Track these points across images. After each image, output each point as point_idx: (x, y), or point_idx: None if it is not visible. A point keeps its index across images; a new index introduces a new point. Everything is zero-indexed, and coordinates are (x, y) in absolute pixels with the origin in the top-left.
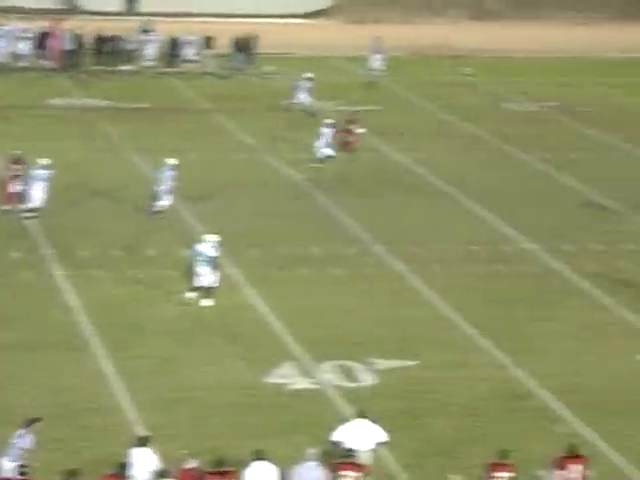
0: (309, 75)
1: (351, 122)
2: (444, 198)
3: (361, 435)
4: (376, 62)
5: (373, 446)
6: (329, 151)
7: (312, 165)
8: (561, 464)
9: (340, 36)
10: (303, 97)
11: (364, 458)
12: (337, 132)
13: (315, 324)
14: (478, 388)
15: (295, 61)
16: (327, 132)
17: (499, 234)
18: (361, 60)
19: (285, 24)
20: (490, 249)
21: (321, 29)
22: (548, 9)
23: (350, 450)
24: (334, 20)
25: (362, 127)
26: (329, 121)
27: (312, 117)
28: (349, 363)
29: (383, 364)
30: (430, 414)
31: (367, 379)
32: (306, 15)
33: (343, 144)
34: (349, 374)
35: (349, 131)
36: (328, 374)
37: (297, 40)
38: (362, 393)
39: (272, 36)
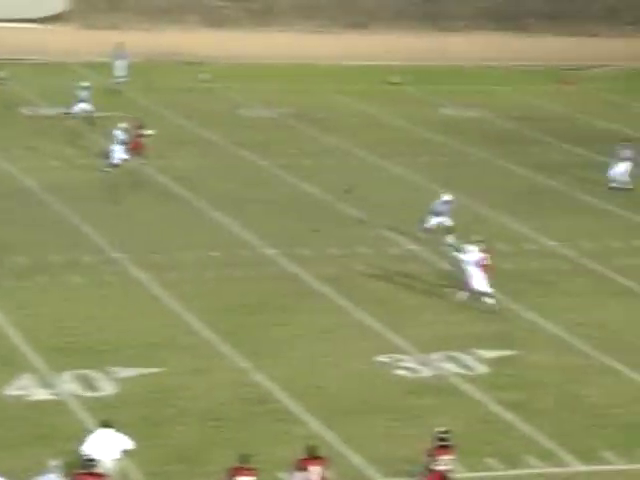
0: (86, 84)
1: (140, 127)
2: (183, 204)
3: (106, 445)
4: (119, 68)
5: (118, 455)
6: (123, 156)
7: (106, 169)
8: (302, 466)
9: (76, 41)
10: (83, 105)
11: (109, 467)
12: (132, 137)
13: (54, 333)
14: (220, 393)
15: (30, 67)
16: (121, 137)
17: (238, 239)
18: (99, 66)
19: (18, 29)
20: (229, 254)
21: (56, 34)
22: (284, 17)
23: (91, 460)
24: (69, 25)
25: (149, 129)
26: (123, 125)
27: (92, 125)
28: (90, 372)
29: (124, 372)
30: (173, 421)
31: (109, 388)
32: (40, 20)
33: (135, 149)
34: (90, 383)
35: (140, 135)
36: (69, 384)
37: (31, 45)
38: (104, 402)
39: (4, 41)
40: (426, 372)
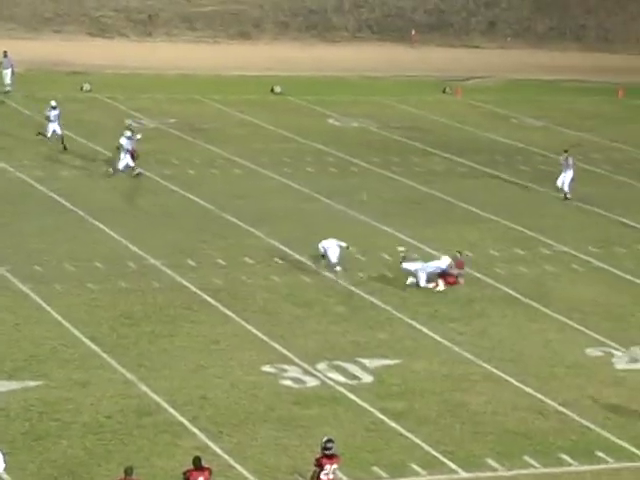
0: (54, 103)
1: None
2: (66, 215)
3: None
4: (7, 78)
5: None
6: (130, 162)
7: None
8: (188, 476)
9: None
10: (53, 126)
11: None
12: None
13: None
14: (104, 406)
15: None
16: (128, 144)
17: (122, 250)
18: None
19: None
20: (113, 265)
21: None
22: (168, 27)
23: None
24: None
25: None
26: (129, 133)
27: (64, 149)
28: None
29: (6, 386)
30: (54, 435)
31: None
32: None
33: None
34: None
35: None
36: None
37: None
38: None
39: None
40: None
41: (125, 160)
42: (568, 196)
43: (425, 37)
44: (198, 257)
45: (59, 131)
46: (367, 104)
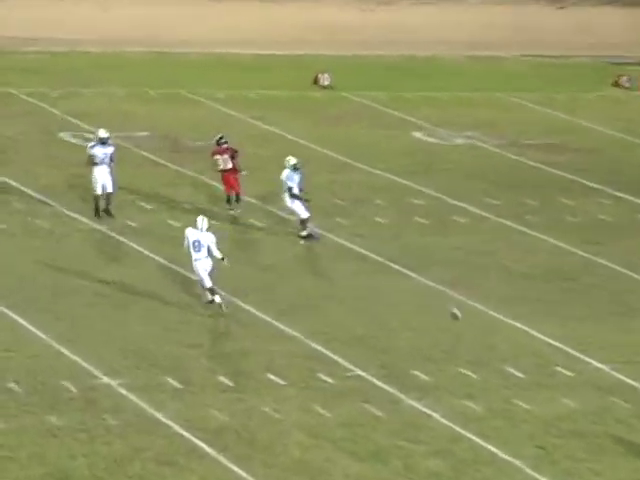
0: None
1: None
2: None
3: None
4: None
5: None
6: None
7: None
8: None
9: None
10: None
11: None
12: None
13: None
14: None
15: None
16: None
17: (55, 361)
18: None
19: None
20: (40, 389)
21: None
22: None
23: None
24: None
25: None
26: (293, 161)
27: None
28: None
29: None
30: None
31: None
32: None
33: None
34: None
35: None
36: None
37: None
38: None
39: None
40: None
41: (300, 205)
42: None
43: None
44: (186, 373)
45: (110, 186)
46: (481, 105)
